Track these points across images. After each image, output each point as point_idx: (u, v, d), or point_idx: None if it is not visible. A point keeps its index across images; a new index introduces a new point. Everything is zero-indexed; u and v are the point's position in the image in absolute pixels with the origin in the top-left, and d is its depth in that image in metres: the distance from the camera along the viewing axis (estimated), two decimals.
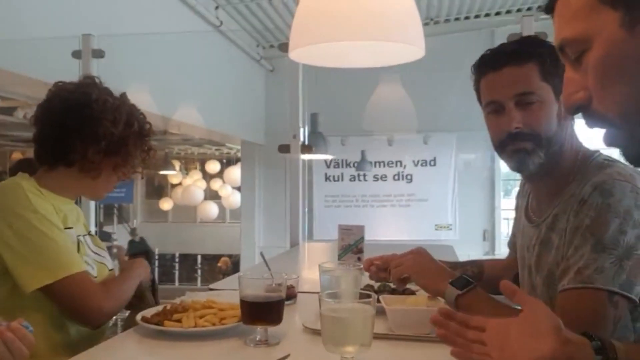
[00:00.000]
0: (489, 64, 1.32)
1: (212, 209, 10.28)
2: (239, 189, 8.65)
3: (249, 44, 6.18)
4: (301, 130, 3.30)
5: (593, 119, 0.77)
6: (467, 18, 6.24)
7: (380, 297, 1.37)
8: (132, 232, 9.49)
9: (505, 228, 6.63)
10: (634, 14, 0.72)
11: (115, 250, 1.97)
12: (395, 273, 1.46)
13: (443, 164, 6.62)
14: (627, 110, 0.75)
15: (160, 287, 1.91)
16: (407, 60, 1.44)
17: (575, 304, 1.15)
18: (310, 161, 5.83)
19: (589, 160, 1.30)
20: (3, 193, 1.49)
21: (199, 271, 11.01)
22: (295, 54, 1.37)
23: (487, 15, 6.17)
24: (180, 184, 10.72)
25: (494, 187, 6.57)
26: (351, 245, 2.07)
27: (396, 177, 6.73)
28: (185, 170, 11.46)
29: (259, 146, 6.93)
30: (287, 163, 3.33)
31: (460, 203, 6.59)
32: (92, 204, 2.89)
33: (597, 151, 1.33)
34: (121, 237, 9.78)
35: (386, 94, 6.03)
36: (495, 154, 1.40)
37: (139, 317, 1.35)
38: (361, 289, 1.51)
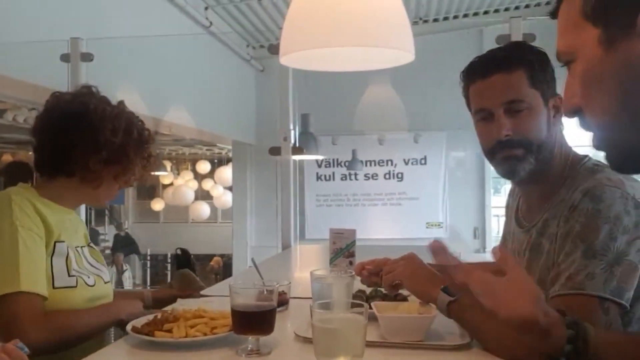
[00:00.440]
0: (478, 72, 1.32)
1: (203, 209, 10.27)
2: (230, 189, 8.64)
3: (238, 44, 6.17)
4: (292, 132, 3.29)
5: (584, 123, 0.82)
6: (455, 17, 6.26)
7: (373, 304, 1.37)
8: (118, 226, 9.60)
9: (495, 225, 6.66)
10: (611, 33, 0.75)
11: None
12: (387, 280, 1.45)
13: (433, 162, 6.64)
14: (607, 119, 0.79)
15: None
16: (397, 64, 1.44)
17: (566, 309, 1.15)
18: (301, 161, 5.83)
19: (578, 165, 1.31)
20: None
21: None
22: (286, 59, 1.37)
23: (475, 14, 6.18)
24: (171, 184, 10.69)
25: (484, 185, 6.60)
26: (343, 249, 2.06)
27: (387, 176, 6.74)
28: (177, 170, 11.42)
29: (250, 146, 6.92)
30: (277, 165, 3.32)
31: (450, 201, 6.61)
32: (82, 205, 2.87)
33: (586, 156, 1.33)
34: (111, 238, 9.78)
35: (376, 93, 6.03)
36: None
37: (129, 327, 1.34)
38: (353, 294, 1.52)
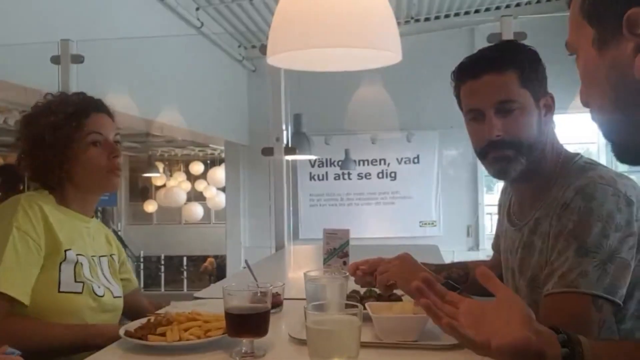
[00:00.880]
0: (469, 72, 1.33)
1: (197, 210, 10.24)
2: (223, 189, 8.62)
3: (230, 44, 6.15)
4: (284, 132, 3.29)
5: (592, 116, 0.83)
6: (447, 16, 6.27)
7: (367, 305, 1.37)
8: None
9: (488, 223, 6.69)
10: (603, 35, 0.76)
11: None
12: (381, 280, 1.46)
13: (426, 161, 6.65)
14: (604, 116, 0.80)
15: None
16: (384, 65, 1.45)
17: (559, 308, 1.15)
18: (294, 161, 5.82)
19: (570, 164, 1.31)
20: (5, 202, 1.57)
21: (185, 273, 10.96)
22: (273, 59, 1.37)
23: (467, 13, 6.20)
24: (164, 185, 10.65)
25: (476, 183, 6.62)
26: (336, 249, 2.06)
27: (380, 175, 6.75)
28: (169, 172, 11.38)
29: (242, 147, 6.91)
30: (270, 165, 3.32)
31: (444, 199, 6.62)
32: None
33: (578, 154, 1.34)
34: None
35: (369, 93, 6.04)
36: None
37: (122, 330, 1.33)
38: (347, 294, 1.52)
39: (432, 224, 6.65)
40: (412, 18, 6.17)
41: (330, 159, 6.76)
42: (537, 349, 0.84)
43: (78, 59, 3.02)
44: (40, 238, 1.49)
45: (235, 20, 5.78)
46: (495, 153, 1.31)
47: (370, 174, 6.76)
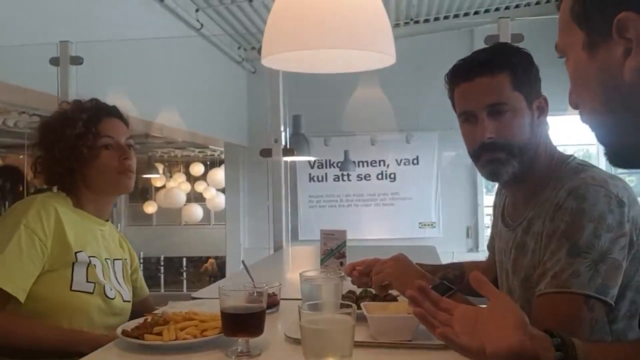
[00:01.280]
0: (462, 74, 1.34)
1: (196, 212, 10.23)
2: (223, 190, 8.62)
3: (230, 46, 6.16)
4: (283, 133, 3.30)
5: (582, 118, 0.83)
6: (446, 18, 6.28)
7: (362, 304, 1.38)
8: None
9: (488, 224, 6.69)
10: (594, 38, 0.76)
11: None
12: (376, 280, 1.47)
13: (426, 162, 6.66)
14: (595, 119, 0.81)
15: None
16: (378, 67, 1.45)
17: (552, 308, 1.16)
18: (293, 162, 5.83)
19: (563, 165, 1.32)
20: (22, 200, 1.65)
21: (184, 274, 10.96)
22: (268, 60, 1.38)
23: (466, 14, 6.21)
24: (164, 186, 10.65)
25: (476, 184, 6.62)
26: (333, 250, 2.07)
27: (380, 177, 6.75)
28: (169, 173, 11.38)
29: (242, 148, 6.91)
30: (269, 167, 3.33)
31: (443, 201, 6.63)
32: None
33: (571, 156, 1.35)
34: None
35: (368, 94, 6.04)
36: None
37: (119, 330, 1.35)
38: (343, 295, 1.53)
39: (432, 225, 6.65)
40: (411, 19, 6.19)
41: (330, 160, 6.77)
42: (532, 353, 0.84)
43: (77, 61, 3.03)
44: (48, 238, 1.52)
45: (234, 21, 5.79)
46: (487, 156, 1.32)
47: (369, 175, 6.77)
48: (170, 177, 11.05)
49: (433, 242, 5.35)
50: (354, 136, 6.55)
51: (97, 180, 1.68)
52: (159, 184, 10.75)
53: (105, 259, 1.67)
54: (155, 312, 1.51)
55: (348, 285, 1.61)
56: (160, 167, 10.78)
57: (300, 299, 1.46)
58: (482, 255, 6.19)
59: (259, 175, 6.45)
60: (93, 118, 1.69)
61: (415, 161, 6.69)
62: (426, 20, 6.32)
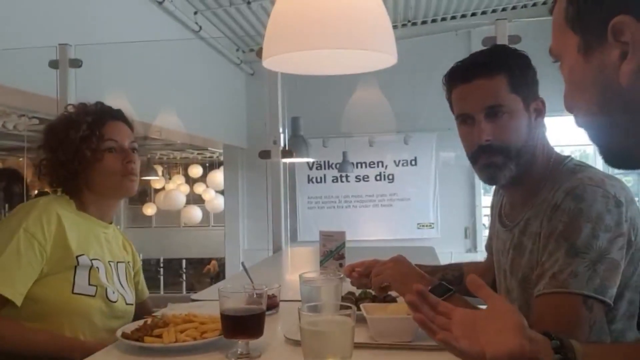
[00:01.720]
0: (460, 77, 1.35)
1: (195, 213, 10.22)
2: (222, 192, 8.62)
3: (228, 48, 6.17)
4: (281, 135, 3.30)
5: (577, 121, 0.83)
6: (443, 19, 6.29)
7: (361, 306, 1.38)
8: None
9: (486, 225, 6.69)
10: (588, 41, 0.76)
11: None
12: (375, 281, 1.48)
13: (424, 163, 6.67)
14: (591, 121, 0.81)
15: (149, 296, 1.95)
16: (380, 67, 1.45)
17: (551, 308, 1.17)
18: (292, 164, 5.83)
19: (560, 166, 1.33)
20: (25, 203, 1.66)
21: (184, 276, 10.95)
22: (268, 62, 1.38)
23: (463, 16, 6.22)
24: (163, 188, 10.64)
25: (474, 184, 6.62)
26: (333, 251, 2.08)
27: (378, 178, 6.76)
28: (168, 175, 11.38)
29: (241, 149, 6.92)
30: (268, 169, 3.33)
31: (441, 201, 6.64)
32: None
33: (568, 157, 1.36)
34: None
35: (366, 95, 6.05)
36: None
37: (119, 332, 1.35)
38: (343, 296, 1.53)
39: (430, 225, 6.66)
40: (409, 21, 6.20)
41: (328, 162, 6.78)
42: (531, 356, 0.85)
43: (76, 64, 3.04)
44: (48, 242, 1.52)
45: (233, 23, 5.80)
46: (484, 160, 1.33)
47: (368, 176, 6.78)
48: (169, 179, 11.04)
49: (431, 243, 5.36)
50: (352, 137, 6.56)
51: (100, 183, 1.68)
52: (157, 185, 10.74)
53: (109, 261, 1.68)
54: (155, 314, 1.51)
55: (347, 286, 1.62)
56: (159, 169, 10.77)
57: (300, 301, 1.46)
58: (480, 255, 6.19)
59: (258, 176, 6.46)
60: (97, 121, 1.69)
61: (413, 162, 6.70)
62: (424, 22, 6.33)
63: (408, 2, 5.72)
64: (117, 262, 1.72)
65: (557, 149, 1.39)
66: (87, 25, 3.58)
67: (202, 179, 10.35)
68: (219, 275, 9.53)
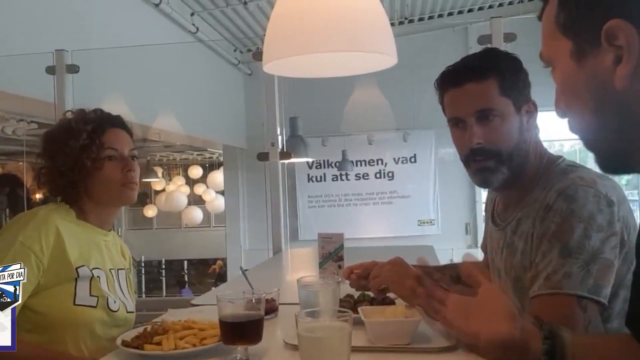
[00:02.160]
0: (451, 81, 1.35)
1: (196, 214, 10.23)
2: (222, 193, 8.63)
3: (226, 49, 6.17)
4: (279, 137, 3.31)
5: (570, 126, 0.84)
6: (440, 16, 6.30)
7: (359, 309, 1.39)
8: None
9: None
10: (581, 46, 0.76)
11: None
12: (373, 284, 1.48)
13: (423, 160, 6.68)
14: (585, 126, 0.81)
15: (147, 299, 1.94)
16: (380, 68, 1.46)
17: (546, 309, 1.17)
18: (292, 163, 5.84)
19: (553, 166, 1.33)
20: (24, 213, 1.64)
21: (186, 277, 10.97)
22: (269, 66, 1.38)
23: (460, 12, 6.22)
24: (163, 190, 10.65)
25: None
26: (331, 253, 2.08)
27: (378, 175, 6.78)
28: (168, 176, 11.39)
29: (240, 150, 6.93)
30: (266, 170, 3.34)
31: (441, 198, 6.65)
32: None
33: (560, 157, 1.36)
34: None
35: (364, 93, 6.06)
36: None
37: (119, 340, 1.36)
38: (341, 299, 1.54)
39: (431, 222, 6.67)
40: (405, 19, 6.20)
41: (328, 161, 6.79)
42: (521, 343, 0.88)
43: (73, 69, 3.05)
44: (45, 255, 1.51)
45: (230, 24, 5.80)
46: (477, 164, 1.34)
47: (367, 175, 6.79)
48: (170, 180, 11.05)
49: (432, 240, 5.37)
50: (351, 136, 6.57)
51: (100, 192, 1.67)
52: (158, 187, 10.75)
53: (110, 269, 1.67)
54: (155, 320, 1.52)
55: (346, 289, 1.62)
56: (159, 171, 10.78)
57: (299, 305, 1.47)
58: (481, 251, 6.19)
59: (258, 176, 6.46)
60: (97, 129, 1.68)
61: (412, 159, 6.71)
62: (420, 19, 6.34)
63: (404, 0, 5.73)
64: (118, 270, 1.72)
65: (555, 144, 1.40)
66: (84, 30, 3.59)
67: (202, 179, 10.36)
68: (219, 277, 9.54)
